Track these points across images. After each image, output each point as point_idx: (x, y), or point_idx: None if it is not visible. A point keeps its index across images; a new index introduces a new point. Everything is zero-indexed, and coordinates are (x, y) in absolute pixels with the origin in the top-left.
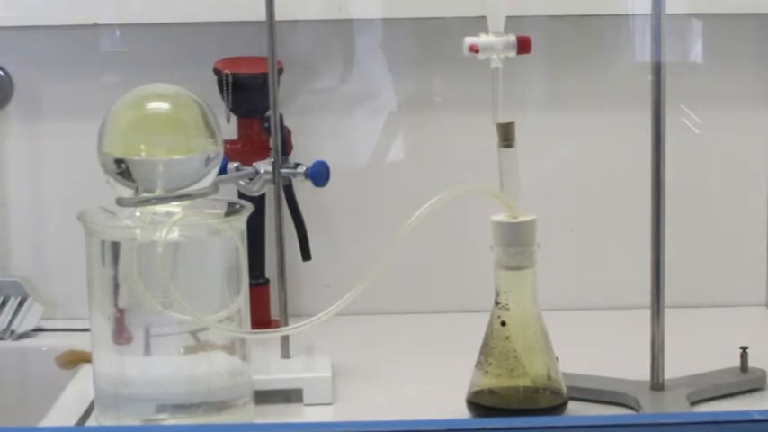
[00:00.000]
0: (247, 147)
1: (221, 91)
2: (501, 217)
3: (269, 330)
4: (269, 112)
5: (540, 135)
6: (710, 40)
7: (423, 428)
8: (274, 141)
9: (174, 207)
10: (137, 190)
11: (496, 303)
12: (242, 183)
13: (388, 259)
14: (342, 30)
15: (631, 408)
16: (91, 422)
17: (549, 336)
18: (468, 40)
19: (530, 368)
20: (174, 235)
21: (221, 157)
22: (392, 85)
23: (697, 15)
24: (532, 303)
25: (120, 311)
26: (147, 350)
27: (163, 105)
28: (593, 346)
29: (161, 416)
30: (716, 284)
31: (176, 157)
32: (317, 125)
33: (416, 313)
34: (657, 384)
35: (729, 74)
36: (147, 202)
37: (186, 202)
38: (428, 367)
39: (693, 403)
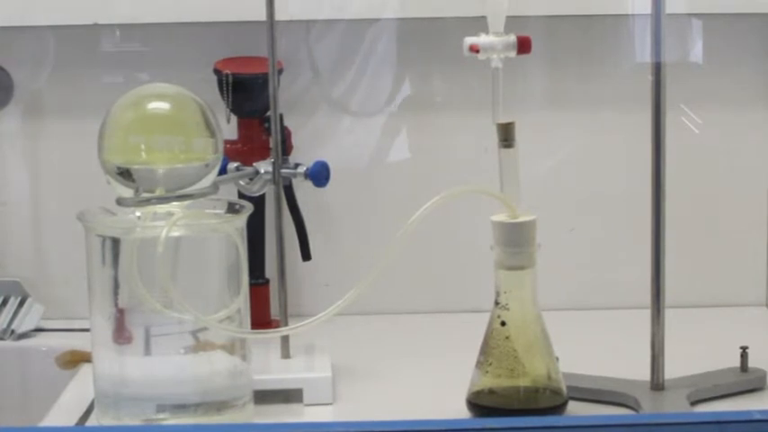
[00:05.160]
0: (247, 147)
1: (221, 91)
2: (501, 217)
3: (269, 330)
4: (269, 112)
5: (540, 135)
6: (710, 40)
7: (423, 428)
8: (274, 141)
9: (175, 207)
10: (137, 190)
11: (496, 303)
12: (242, 183)
13: (388, 259)
14: (342, 30)
15: (631, 408)
16: (91, 422)
17: (549, 336)
18: (468, 40)
19: (530, 368)
20: (175, 234)
21: (221, 157)
22: (392, 85)
23: (697, 15)
24: (532, 303)
25: (120, 311)
26: (147, 350)
27: (163, 105)
28: (594, 346)
29: (161, 416)
30: (716, 284)
31: (178, 165)
32: (317, 125)
33: (416, 313)
34: (657, 384)
35: (729, 74)
36: (147, 202)
37: (186, 202)
38: (428, 367)
39: (693, 403)
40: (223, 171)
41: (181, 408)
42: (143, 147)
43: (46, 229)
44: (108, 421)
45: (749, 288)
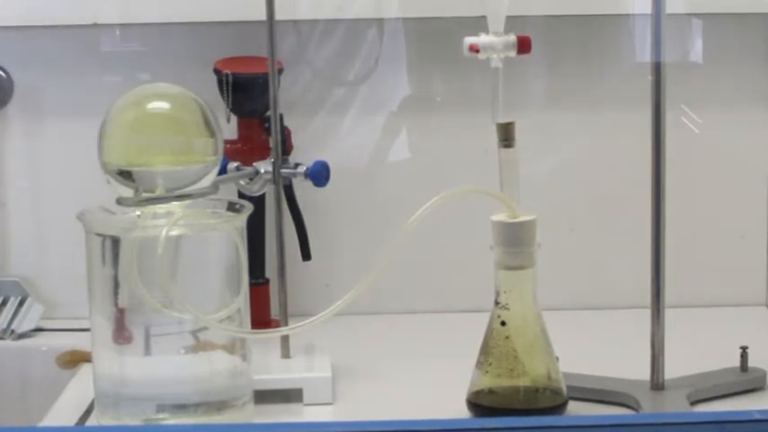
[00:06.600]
0: (247, 147)
1: (221, 91)
2: (501, 217)
3: (269, 330)
4: (269, 111)
5: (540, 135)
6: (710, 40)
7: (423, 428)
8: (274, 141)
9: (175, 207)
10: (137, 190)
11: (496, 303)
12: (242, 183)
13: (388, 259)
14: (342, 30)
15: (631, 408)
16: (91, 422)
17: (549, 336)
18: (468, 40)
19: (530, 368)
20: (175, 234)
21: (221, 157)
22: (392, 85)
23: (697, 15)
24: (532, 303)
25: (121, 311)
26: (147, 350)
27: (163, 105)
28: (593, 346)
29: (161, 416)
30: (716, 284)
31: (178, 168)
32: (317, 125)
33: (416, 313)
34: (657, 384)
35: (729, 74)
36: (147, 201)
37: (186, 202)
38: (428, 367)
39: (693, 403)
40: (223, 171)
41: (181, 408)
42: (143, 147)
43: (46, 229)
44: (108, 421)
45: (749, 288)
